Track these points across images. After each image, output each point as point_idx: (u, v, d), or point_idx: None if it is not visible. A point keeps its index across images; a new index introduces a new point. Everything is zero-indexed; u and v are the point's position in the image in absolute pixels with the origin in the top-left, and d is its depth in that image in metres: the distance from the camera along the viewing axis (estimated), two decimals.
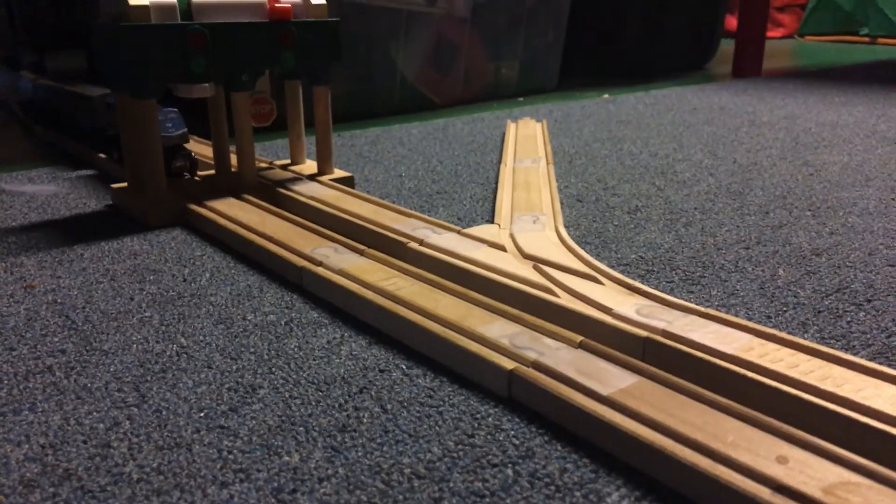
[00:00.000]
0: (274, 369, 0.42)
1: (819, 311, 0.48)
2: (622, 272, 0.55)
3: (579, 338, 0.41)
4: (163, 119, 0.74)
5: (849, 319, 0.47)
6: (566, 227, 0.65)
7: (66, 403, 0.39)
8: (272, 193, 0.73)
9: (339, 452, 0.35)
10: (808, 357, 0.38)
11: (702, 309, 0.43)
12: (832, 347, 0.41)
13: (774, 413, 0.34)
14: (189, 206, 0.68)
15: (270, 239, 0.59)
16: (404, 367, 0.42)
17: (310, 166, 0.82)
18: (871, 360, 0.41)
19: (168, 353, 0.44)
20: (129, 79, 0.66)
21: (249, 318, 0.49)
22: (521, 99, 1.46)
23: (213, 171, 0.79)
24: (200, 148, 0.91)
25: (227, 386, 0.40)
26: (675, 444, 0.32)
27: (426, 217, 0.63)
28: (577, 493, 0.32)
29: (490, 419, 0.37)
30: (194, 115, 0.88)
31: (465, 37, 1.34)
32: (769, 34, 1.97)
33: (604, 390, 0.36)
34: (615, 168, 0.87)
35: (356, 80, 1.22)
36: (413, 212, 0.64)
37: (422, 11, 1.26)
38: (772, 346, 0.39)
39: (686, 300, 0.47)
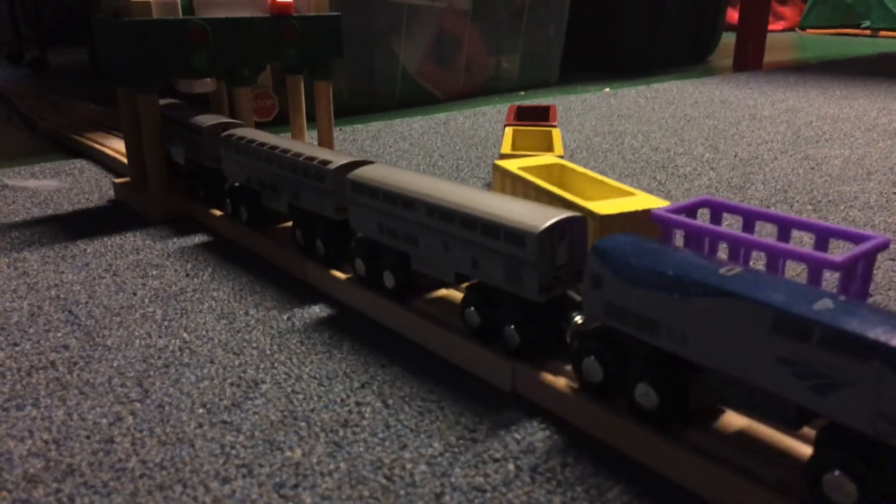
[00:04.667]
0: (276, 364, 0.42)
1: None
2: None
3: None
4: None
5: None
6: None
7: (69, 399, 0.39)
8: None
9: (341, 447, 0.35)
10: None
11: None
12: None
13: None
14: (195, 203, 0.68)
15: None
16: (406, 361, 0.42)
17: None
18: None
19: (171, 348, 0.44)
20: (131, 74, 0.66)
21: (252, 313, 0.49)
22: (522, 93, 1.46)
23: None
24: None
25: (229, 381, 0.41)
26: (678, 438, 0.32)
27: None
28: (579, 489, 0.32)
29: (492, 414, 0.37)
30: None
31: (466, 30, 1.34)
32: (770, 27, 1.96)
33: None
34: (616, 162, 0.87)
35: (357, 74, 1.22)
36: None
37: (423, 5, 1.25)
38: None
39: None
